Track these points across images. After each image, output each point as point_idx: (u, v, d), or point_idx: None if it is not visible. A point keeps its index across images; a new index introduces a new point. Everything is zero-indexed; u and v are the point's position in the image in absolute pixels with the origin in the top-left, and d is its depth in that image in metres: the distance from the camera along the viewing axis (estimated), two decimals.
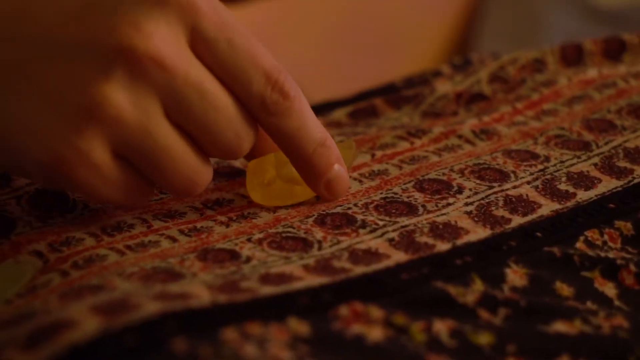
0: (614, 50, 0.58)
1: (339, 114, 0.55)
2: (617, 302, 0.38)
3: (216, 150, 0.39)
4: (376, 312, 0.34)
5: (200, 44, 0.37)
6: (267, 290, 0.34)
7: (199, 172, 0.39)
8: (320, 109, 0.55)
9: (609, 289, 0.39)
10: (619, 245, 0.41)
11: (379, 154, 0.48)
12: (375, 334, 0.33)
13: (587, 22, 1.54)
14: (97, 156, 0.36)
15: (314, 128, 0.40)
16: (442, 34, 1.76)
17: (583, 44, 0.58)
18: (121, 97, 0.36)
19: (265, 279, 0.35)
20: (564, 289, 0.38)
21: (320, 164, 0.41)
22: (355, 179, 0.45)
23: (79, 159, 0.36)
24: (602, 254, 0.40)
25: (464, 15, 1.73)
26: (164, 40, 0.36)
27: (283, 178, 0.42)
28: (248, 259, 0.38)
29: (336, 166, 0.41)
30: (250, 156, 0.44)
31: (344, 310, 0.34)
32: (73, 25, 0.36)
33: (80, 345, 0.29)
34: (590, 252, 0.40)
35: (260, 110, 0.39)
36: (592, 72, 0.54)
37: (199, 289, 0.33)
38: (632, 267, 0.39)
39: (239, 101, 0.38)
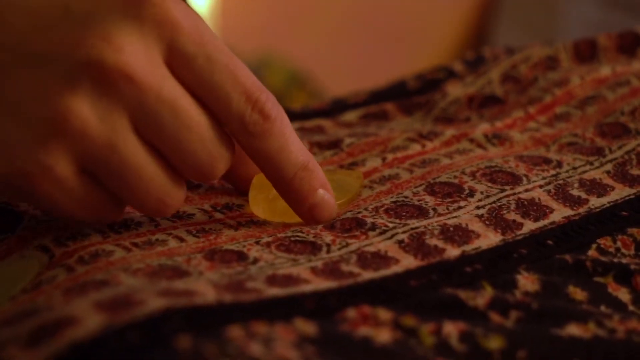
0: (629, 45, 0.57)
1: (351, 116, 0.55)
2: (631, 307, 0.37)
3: (188, 170, 0.37)
4: (384, 314, 0.33)
5: (178, 60, 0.35)
6: (273, 291, 0.34)
7: (169, 193, 0.37)
8: (331, 111, 0.55)
9: (623, 294, 0.38)
10: (632, 252, 0.40)
11: (389, 157, 0.47)
12: (384, 335, 0.32)
13: (605, 10, 1.52)
14: (61, 171, 0.35)
15: (296, 151, 0.38)
16: (459, 25, 1.75)
17: (597, 39, 0.57)
18: (86, 111, 0.34)
19: (272, 280, 0.35)
20: (577, 293, 0.37)
21: (301, 188, 0.39)
22: (365, 185, 0.44)
23: (43, 173, 0.35)
24: (615, 260, 0.39)
25: (481, 6, 1.72)
26: (135, 54, 0.34)
27: None
28: (255, 260, 0.37)
29: (320, 191, 0.40)
30: (227, 178, 0.42)
31: (351, 312, 0.33)
32: (43, 35, 0.34)
33: (82, 343, 0.29)
34: (603, 259, 0.39)
35: (239, 130, 0.37)
36: (605, 70, 0.53)
37: (205, 287, 0.33)
38: None
39: (216, 121, 0.37)
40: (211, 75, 0.36)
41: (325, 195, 0.40)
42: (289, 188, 0.39)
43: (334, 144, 0.49)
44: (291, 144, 0.38)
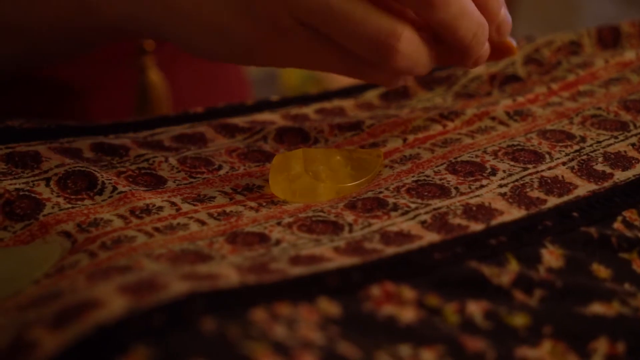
0: None
1: (371, 95, 0.54)
2: None
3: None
4: (408, 292, 0.33)
5: None
6: (297, 270, 0.34)
7: (391, 30, 0.41)
8: (352, 91, 0.54)
9: None
10: None
11: (410, 137, 0.47)
12: (408, 315, 0.32)
13: (622, 5, 1.51)
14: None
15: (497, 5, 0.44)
16: None
17: (620, 26, 0.57)
18: None
19: (295, 260, 0.35)
20: (601, 271, 0.37)
21: (492, 6, 0.44)
22: (386, 165, 0.44)
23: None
24: None
25: None
26: None
27: (310, 174, 0.42)
28: (277, 242, 0.37)
29: (502, 10, 0.44)
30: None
31: (375, 290, 0.33)
32: None
33: (107, 325, 0.29)
34: (628, 233, 0.38)
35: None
36: (629, 54, 0.53)
37: (228, 270, 0.33)
38: None
39: None
40: None
41: (506, 14, 0.45)
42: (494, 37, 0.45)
43: (355, 125, 0.49)
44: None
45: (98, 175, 0.42)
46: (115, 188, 0.42)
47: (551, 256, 0.37)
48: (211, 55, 0.45)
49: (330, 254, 0.36)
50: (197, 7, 0.42)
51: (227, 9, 0.42)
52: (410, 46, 0.41)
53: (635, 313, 0.35)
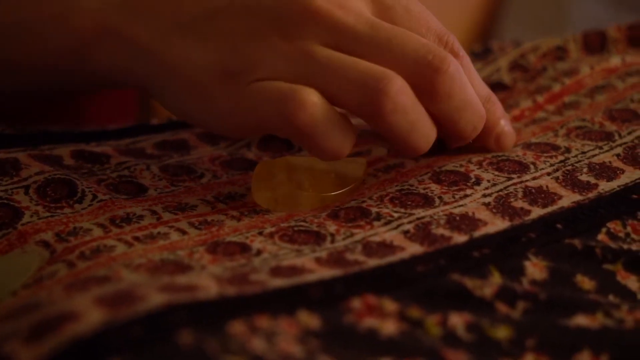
0: (639, 37, 0.56)
1: None
2: None
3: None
4: (390, 305, 0.33)
5: (382, 11, 0.41)
6: (278, 282, 0.33)
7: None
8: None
9: (632, 282, 0.37)
10: None
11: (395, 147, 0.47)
12: (389, 327, 0.32)
13: (613, 8, 1.51)
14: None
15: (482, 85, 0.43)
16: (465, 23, 1.74)
17: (606, 30, 0.57)
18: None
19: (276, 271, 0.35)
20: (585, 283, 0.37)
21: (489, 119, 0.43)
22: (370, 174, 0.44)
23: None
24: (625, 246, 0.38)
25: (488, 4, 1.71)
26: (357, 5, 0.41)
27: (293, 183, 0.41)
28: (259, 252, 0.37)
29: (502, 121, 0.44)
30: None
31: (356, 303, 0.33)
32: None
33: (84, 338, 0.28)
34: (613, 245, 0.38)
35: (433, 69, 0.40)
36: (615, 60, 0.53)
37: (207, 281, 0.32)
38: None
39: None
40: (408, 22, 0.41)
41: (507, 125, 0.44)
42: None
43: None
44: (477, 79, 0.43)
45: (78, 183, 0.42)
46: (95, 196, 0.41)
47: (535, 268, 0.36)
48: (194, 119, 0.43)
49: (311, 265, 0.35)
50: (181, 63, 0.41)
51: (209, 69, 0.40)
52: (402, 95, 0.39)
53: (619, 325, 0.35)
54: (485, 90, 0.43)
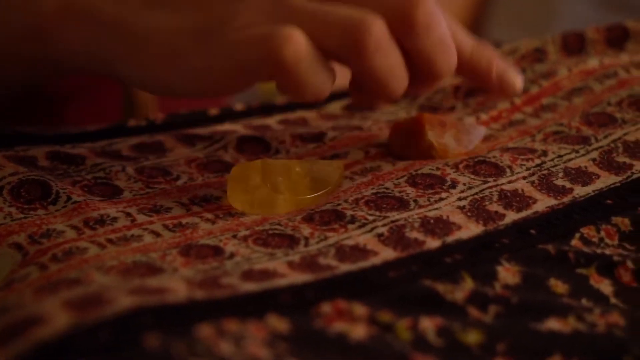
0: (617, 38, 0.56)
1: (334, 106, 0.54)
2: (613, 300, 0.37)
3: None
4: (360, 309, 0.33)
5: None
6: (248, 286, 0.33)
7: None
8: (315, 102, 0.54)
9: (605, 286, 0.37)
10: (616, 242, 0.39)
11: (373, 151, 0.47)
12: (359, 331, 0.32)
13: (600, 9, 1.52)
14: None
15: (465, 34, 0.44)
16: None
17: (585, 32, 0.57)
18: None
19: (248, 275, 0.34)
20: (559, 286, 0.37)
21: (482, 60, 0.45)
22: (346, 177, 0.44)
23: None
24: (599, 251, 0.38)
25: (475, 4, 1.71)
26: None
27: (269, 186, 0.41)
28: (231, 255, 0.37)
29: (497, 60, 0.45)
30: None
31: (326, 307, 0.32)
32: None
33: (50, 342, 0.28)
34: (586, 249, 0.38)
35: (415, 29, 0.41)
36: (593, 62, 0.53)
37: (177, 284, 0.32)
38: (630, 264, 0.38)
39: None
40: None
41: (504, 63, 0.45)
42: (471, 65, 0.44)
43: (317, 137, 0.48)
44: (460, 29, 0.44)
45: (52, 184, 0.42)
46: (69, 198, 0.41)
47: (507, 273, 0.36)
48: (166, 87, 0.43)
49: (283, 269, 0.35)
50: (152, 32, 0.41)
51: (183, 33, 0.41)
52: (384, 36, 0.39)
53: (591, 329, 0.35)
54: (470, 38, 0.45)
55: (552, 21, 1.57)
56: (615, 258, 0.38)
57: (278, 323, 0.31)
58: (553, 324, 0.34)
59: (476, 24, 1.71)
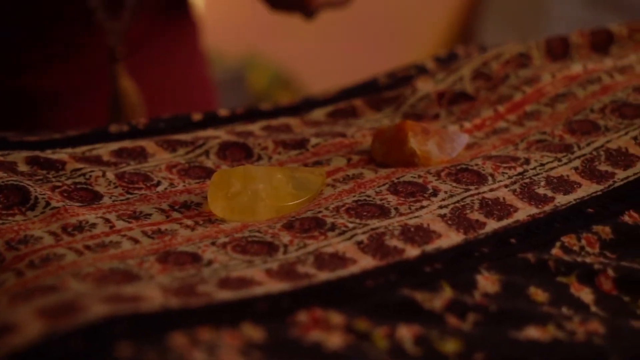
0: (602, 43, 0.56)
1: (318, 114, 0.54)
2: (593, 308, 0.37)
3: None
4: (336, 317, 0.33)
5: None
6: (224, 295, 0.33)
7: None
8: (300, 108, 0.54)
9: (586, 295, 0.37)
10: (597, 250, 0.39)
11: (355, 158, 0.46)
12: (335, 340, 0.32)
13: (591, 9, 1.52)
14: None
15: None
16: (445, 25, 1.74)
17: (569, 36, 0.57)
18: None
19: (225, 283, 0.34)
20: (539, 294, 0.37)
21: None
22: (328, 184, 0.44)
23: None
24: (579, 259, 0.38)
25: (467, 5, 1.72)
26: None
27: (250, 193, 0.41)
28: (209, 262, 0.36)
29: None
30: None
31: (302, 316, 0.32)
32: None
33: (22, 350, 0.28)
34: (567, 258, 0.38)
35: None
36: (576, 67, 0.53)
37: (153, 292, 0.32)
38: (611, 272, 0.38)
39: None
40: None
41: None
42: None
43: (300, 144, 0.48)
44: None
45: (31, 189, 0.41)
46: (48, 203, 0.41)
47: (487, 281, 0.36)
48: None
49: (261, 276, 0.35)
50: None
51: None
52: None
53: (571, 337, 0.34)
54: None
55: (542, 21, 1.57)
56: (596, 266, 0.38)
57: (253, 332, 0.31)
58: (532, 332, 0.34)
59: (468, 26, 1.71)
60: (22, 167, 0.44)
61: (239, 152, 0.47)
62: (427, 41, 1.73)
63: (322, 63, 1.70)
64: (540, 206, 0.41)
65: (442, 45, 1.70)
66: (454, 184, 0.43)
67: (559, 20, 1.52)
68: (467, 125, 0.49)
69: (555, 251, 0.38)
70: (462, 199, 0.41)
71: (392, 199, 0.41)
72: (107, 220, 0.40)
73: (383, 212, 0.40)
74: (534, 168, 0.44)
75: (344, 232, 0.39)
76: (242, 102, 1.51)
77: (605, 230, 0.40)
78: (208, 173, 0.45)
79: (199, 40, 0.73)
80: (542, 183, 0.43)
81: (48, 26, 0.63)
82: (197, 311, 0.31)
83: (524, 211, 0.41)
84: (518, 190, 0.42)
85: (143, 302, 0.31)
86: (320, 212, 0.41)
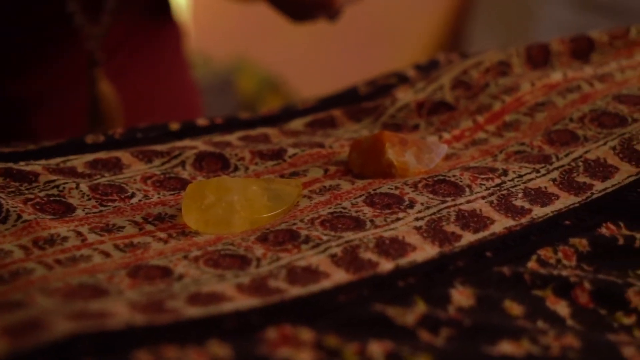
0: (582, 50, 0.56)
1: (297, 124, 0.53)
2: (569, 322, 0.36)
3: None
4: (306, 334, 0.32)
5: None
6: (192, 311, 0.33)
7: None
8: (279, 118, 0.54)
9: (562, 308, 0.37)
10: (574, 263, 0.39)
11: (332, 169, 0.46)
12: (304, 357, 0.31)
13: (580, 12, 1.52)
14: None
15: None
16: (434, 28, 1.74)
17: (550, 44, 0.56)
18: None
19: (194, 298, 0.34)
20: (514, 308, 0.36)
21: None
22: (304, 195, 0.43)
23: None
24: (555, 272, 0.38)
25: (456, 9, 1.72)
26: None
27: (224, 205, 0.41)
28: (180, 277, 0.36)
29: None
30: None
31: (272, 332, 0.32)
32: None
33: None
34: (543, 271, 0.38)
35: None
36: (556, 76, 0.52)
37: (119, 308, 0.32)
38: (587, 285, 0.38)
39: None
40: None
41: None
42: None
43: (277, 155, 0.48)
44: None
45: (3, 202, 0.41)
46: (20, 216, 0.40)
47: (461, 296, 0.36)
48: None
49: (231, 291, 0.35)
50: None
51: None
52: None
53: (545, 352, 0.34)
54: None
55: (531, 24, 1.57)
56: (572, 279, 0.38)
57: (219, 349, 0.31)
58: (506, 347, 0.34)
59: (457, 30, 1.71)
60: None
61: (215, 163, 0.47)
62: (417, 45, 1.73)
63: (311, 67, 1.70)
64: (517, 218, 0.41)
65: (431, 49, 1.70)
66: (431, 196, 0.42)
67: (548, 24, 1.52)
68: (446, 136, 0.49)
69: (532, 264, 0.38)
70: (439, 211, 0.41)
71: (368, 211, 0.41)
72: (79, 234, 0.40)
73: (358, 224, 0.40)
74: (512, 180, 0.44)
75: (317, 245, 0.38)
76: (231, 107, 1.50)
77: (582, 243, 0.39)
78: (183, 184, 0.45)
79: (181, 43, 0.73)
80: (520, 195, 0.42)
81: (26, 30, 0.62)
82: (163, 328, 0.31)
83: (501, 223, 0.40)
84: (495, 202, 0.42)
85: (109, 319, 0.31)
86: (295, 224, 0.40)
